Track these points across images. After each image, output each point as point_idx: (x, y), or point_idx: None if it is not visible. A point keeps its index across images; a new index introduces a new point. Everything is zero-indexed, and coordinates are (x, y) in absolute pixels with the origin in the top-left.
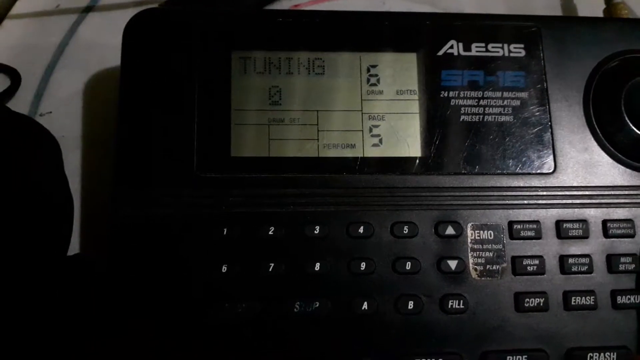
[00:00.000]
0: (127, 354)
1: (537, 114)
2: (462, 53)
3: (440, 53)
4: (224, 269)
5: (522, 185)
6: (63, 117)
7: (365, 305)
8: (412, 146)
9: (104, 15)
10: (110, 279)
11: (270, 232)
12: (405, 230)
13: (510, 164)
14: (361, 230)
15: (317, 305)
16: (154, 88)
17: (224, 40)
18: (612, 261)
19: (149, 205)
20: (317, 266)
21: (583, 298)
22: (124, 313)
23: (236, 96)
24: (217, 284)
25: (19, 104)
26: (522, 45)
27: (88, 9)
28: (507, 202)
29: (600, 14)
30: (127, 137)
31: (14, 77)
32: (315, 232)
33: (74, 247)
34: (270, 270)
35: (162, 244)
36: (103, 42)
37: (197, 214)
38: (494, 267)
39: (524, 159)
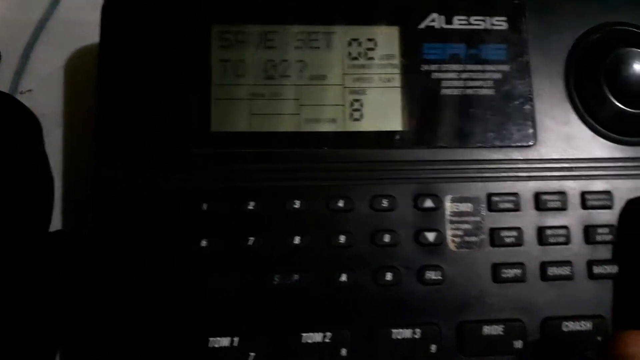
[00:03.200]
0: (108, 328)
1: (519, 87)
2: (444, 26)
3: (422, 26)
4: (204, 243)
5: (501, 158)
6: (44, 95)
7: (344, 277)
8: (393, 120)
9: None
10: (91, 254)
11: (250, 207)
12: (384, 203)
13: (490, 137)
14: (341, 203)
15: (297, 277)
16: (133, 64)
17: (203, 14)
18: (589, 232)
19: (130, 180)
20: (297, 239)
21: (560, 268)
22: (105, 287)
23: (216, 71)
24: (197, 258)
25: None
26: (504, 18)
27: None
28: (486, 174)
29: None
30: (106, 113)
31: None
32: (296, 206)
33: (57, 225)
34: (250, 244)
35: (142, 219)
36: (84, 18)
37: (177, 189)
38: (472, 239)
39: (504, 132)
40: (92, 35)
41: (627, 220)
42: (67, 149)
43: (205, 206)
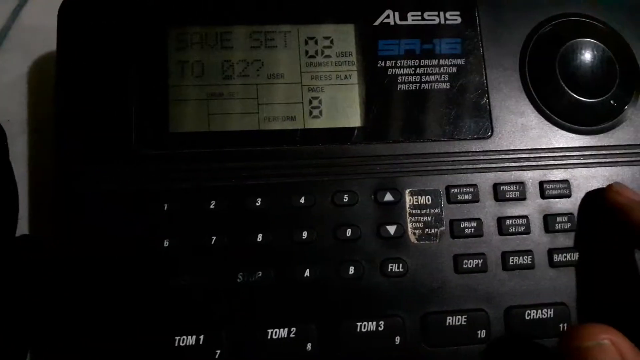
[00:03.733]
0: (75, 329)
1: (474, 80)
2: (399, 22)
3: (377, 23)
4: (166, 243)
5: (459, 150)
6: (8, 102)
7: (307, 273)
8: (351, 116)
9: None
10: (57, 256)
11: (212, 206)
12: (346, 198)
13: (447, 130)
14: (303, 200)
15: (260, 274)
16: (91, 68)
17: (159, 17)
18: (548, 221)
19: (91, 183)
20: (260, 237)
21: (521, 258)
22: (71, 289)
23: (174, 72)
24: (160, 258)
25: None
26: (458, 13)
27: None
28: (444, 167)
29: None
30: (66, 117)
31: None
32: (257, 204)
33: (24, 230)
34: (213, 242)
35: (106, 221)
36: (46, 25)
37: (138, 190)
38: (433, 231)
39: (461, 125)
40: (54, 41)
41: (585, 213)
42: (33, 155)
43: (166, 206)
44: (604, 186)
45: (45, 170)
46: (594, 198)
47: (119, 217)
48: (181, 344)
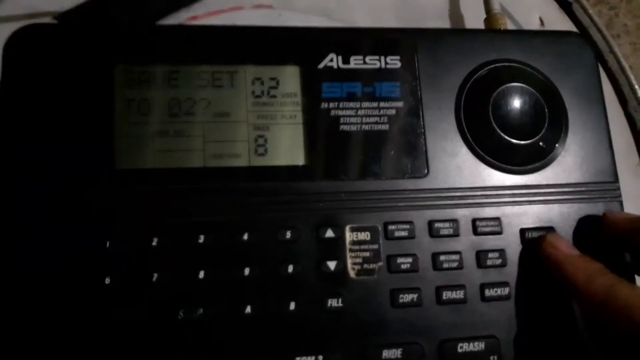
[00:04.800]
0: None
1: (411, 121)
2: (342, 66)
3: (321, 66)
4: (107, 280)
5: (397, 188)
6: None
7: (248, 309)
8: (295, 154)
9: None
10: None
11: (154, 243)
12: (289, 235)
13: (386, 169)
14: (246, 237)
15: (201, 311)
16: (36, 101)
17: (107, 54)
18: (480, 257)
19: (32, 215)
20: (202, 274)
21: (454, 292)
22: (12, 322)
23: (120, 109)
24: (102, 295)
25: None
26: (398, 57)
27: None
28: (383, 204)
29: (483, 24)
30: (10, 151)
31: None
32: (200, 241)
33: None
34: (154, 279)
35: (50, 256)
36: None
37: (82, 226)
38: (371, 266)
39: (399, 164)
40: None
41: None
42: None
43: (108, 244)
44: (534, 225)
45: None
46: (528, 244)
47: (63, 252)
48: None
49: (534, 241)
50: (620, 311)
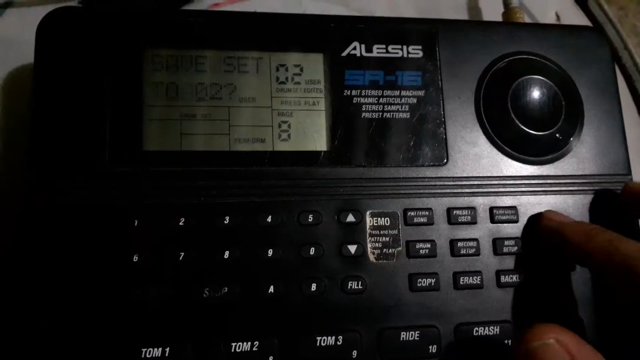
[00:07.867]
0: (43, 342)
1: (432, 111)
2: (364, 54)
3: (344, 54)
4: (136, 258)
5: (416, 176)
6: None
7: (271, 289)
8: (318, 141)
9: (22, 12)
10: (27, 271)
11: (181, 223)
12: (310, 218)
13: (406, 157)
14: (269, 219)
15: (226, 290)
16: (67, 84)
17: (136, 38)
18: (497, 244)
19: (62, 196)
20: (227, 254)
21: (471, 278)
22: (38, 301)
23: (148, 93)
24: (129, 272)
25: None
26: (420, 47)
27: (6, 5)
28: (403, 191)
29: (500, 17)
30: (40, 132)
31: None
32: (226, 222)
33: None
34: (181, 258)
35: (77, 235)
36: (22, 38)
37: (110, 206)
38: (390, 251)
39: (419, 152)
40: (29, 55)
41: (528, 237)
42: (4, 167)
43: (136, 222)
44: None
45: (13, 183)
46: (533, 224)
47: (91, 231)
48: (147, 355)
49: (537, 222)
50: (622, 264)
